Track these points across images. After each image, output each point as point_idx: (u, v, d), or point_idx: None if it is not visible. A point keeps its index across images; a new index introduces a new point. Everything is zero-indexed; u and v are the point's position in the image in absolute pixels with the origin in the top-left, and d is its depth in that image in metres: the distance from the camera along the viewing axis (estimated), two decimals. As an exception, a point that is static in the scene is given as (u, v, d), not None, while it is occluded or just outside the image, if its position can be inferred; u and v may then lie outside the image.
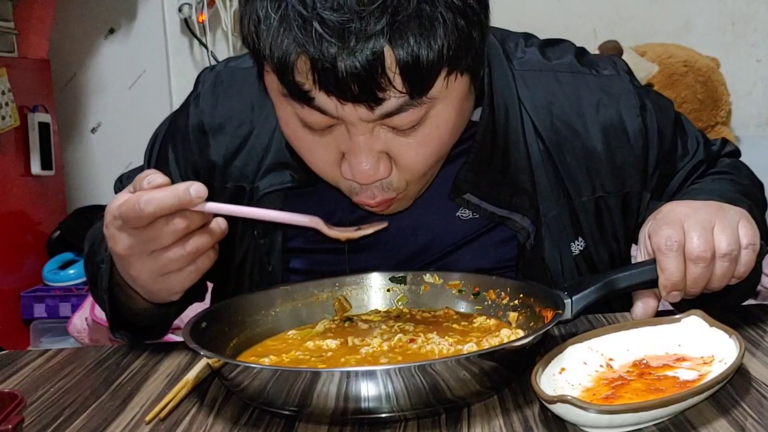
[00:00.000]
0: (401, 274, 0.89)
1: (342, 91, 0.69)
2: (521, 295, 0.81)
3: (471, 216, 0.90)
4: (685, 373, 0.66)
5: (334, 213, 0.90)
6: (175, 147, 0.99)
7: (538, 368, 0.66)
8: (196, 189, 0.72)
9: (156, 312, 0.89)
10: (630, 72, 0.97)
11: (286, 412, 0.66)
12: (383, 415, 0.64)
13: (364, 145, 0.74)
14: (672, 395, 0.59)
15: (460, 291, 0.86)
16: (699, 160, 0.96)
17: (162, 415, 0.69)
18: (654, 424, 0.60)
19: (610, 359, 0.70)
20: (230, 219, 0.84)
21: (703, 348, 0.70)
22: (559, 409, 0.60)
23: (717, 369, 0.65)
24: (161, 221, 0.72)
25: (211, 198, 0.95)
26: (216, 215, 0.75)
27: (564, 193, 0.90)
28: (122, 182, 1.04)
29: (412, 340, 0.78)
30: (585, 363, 0.69)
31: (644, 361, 0.69)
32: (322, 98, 0.71)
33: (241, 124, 0.94)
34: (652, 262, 0.76)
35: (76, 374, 0.82)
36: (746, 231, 0.76)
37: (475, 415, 0.65)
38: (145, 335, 0.94)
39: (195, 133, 0.97)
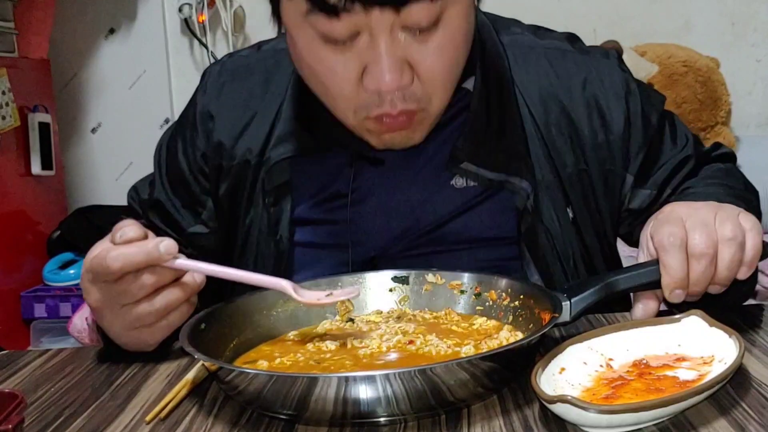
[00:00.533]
0: (404, 274, 0.89)
1: None
2: (522, 297, 0.81)
3: (465, 185, 0.93)
4: (685, 373, 0.66)
5: (336, 180, 0.95)
6: (184, 138, 1.02)
7: (538, 368, 0.66)
8: (165, 246, 0.74)
9: None
10: (621, 60, 0.99)
11: (284, 417, 0.66)
12: (382, 419, 0.64)
13: (387, 51, 0.77)
14: (672, 395, 0.59)
15: (461, 291, 0.87)
16: (687, 155, 0.97)
17: (162, 415, 0.69)
18: (654, 424, 0.60)
19: (610, 359, 0.70)
20: (236, 191, 0.96)
21: (703, 348, 0.70)
22: (559, 409, 0.60)
23: (717, 369, 0.65)
24: (130, 277, 0.75)
25: (218, 177, 0.98)
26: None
27: (552, 163, 0.93)
28: (137, 192, 1.07)
29: (411, 342, 0.78)
30: (585, 363, 0.69)
31: (644, 361, 0.69)
32: (348, 6, 0.75)
33: (246, 106, 0.99)
34: (654, 263, 0.76)
35: (76, 374, 0.82)
36: (747, 217, 0.77)
37: (475, 415, 0.65)
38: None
39: (202, 119, 1.01)
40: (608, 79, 0.95)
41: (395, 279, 0.89)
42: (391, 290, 0.89)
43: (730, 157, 1.03)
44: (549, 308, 0.74)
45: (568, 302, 0.74)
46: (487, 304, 0.84)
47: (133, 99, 2.72)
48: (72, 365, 0.85)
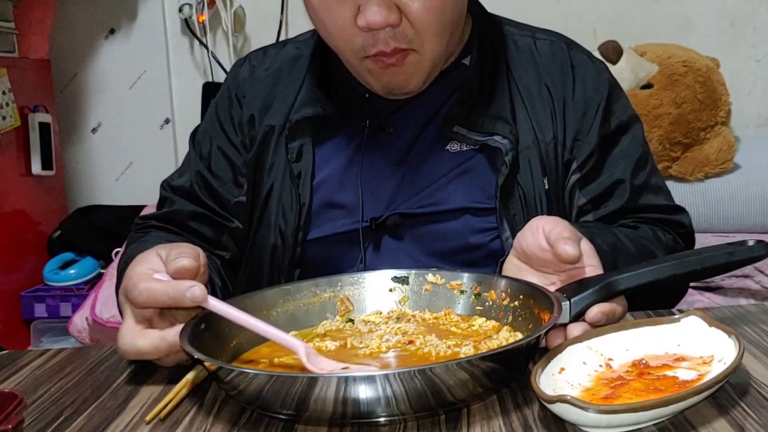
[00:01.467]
0: (404, 274, 0.89)
1: None
2: (521, 297, 0.81)
3: (459, 149, 1.02)
4: (684, 373, 0.66)
5: (350, 144, 1.04)
6: (222, 118, 1.11)
7: (538, 368, 0.66)
8: (192, 293, 0.74)
9: None
10: (612, 76, 1.08)
11: (284, 417, 0.66)
12: (382, 419, 0.64)
13: None
14: (671, 395, 0.60)
15: (461, 291, 0.87)
16: (620, 178, 1.02)
17: (162, 415, 0.69)
18: (653, 424, 0.60)
19: (610, 359, 0.70)
20: (262, 153, 1.06)
21: (703, 348, 0.70)
22: (558, 408, 0.60)
23: (716, 369, 0.65)
24: (155, 311, 0.77)
25: (250, 147, 1.08)
26: None
27: (533, 131, 1.01)
28: (170, 185, 1.13)
29: (410, 342, 0.78)
30: (584, 363, 0.69)
31: (644, 361, 0.69)
32: None
33: (275, 85, 1.09)
34: (654, 263, 0.76)
35: (76, 374, 0.82)
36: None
37: (475, 415, 0.65)
38: None
39: (237, 99, 1.11)
40: (592, 80, 1.04)
41: (395, 279, 0.89)
42: (391, 290, 0.89)
43: (684, 237, 1.05)
44: (548, 308, 0.74)
45: (568, 302, 0.74)
46: (487, 304, 0.84)
47: (133, 99, 2.72)
48: (72, 365, 0.85)
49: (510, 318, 0.82)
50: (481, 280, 0.86)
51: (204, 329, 0.76)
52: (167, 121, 2.72)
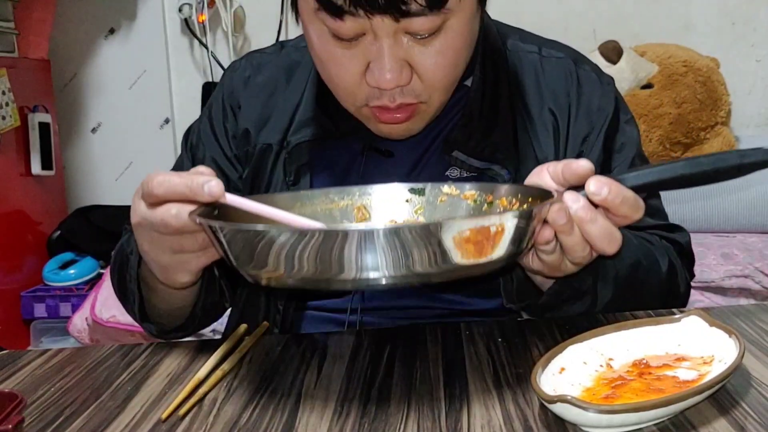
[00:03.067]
0: (421, 186, 0.89)
1: (370, 3, 0.78)
2: (530, 198, 0.80)
3: (459, 175, 0.98)
4: (684, 373, 0.66)
5: (350, 167, 1.00)
6: (214, 128, 1.07)
7: (538, 368, 0.66)
8: (210, 187, 0.71)
9: (179, 312, 0.93)
10: (619, 96, 1.04)
11: (290, 281, 0.65)
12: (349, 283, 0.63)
13: (389, 51, 0.83)
14: (672, 395, 0.60)
15: (475, 201, 0.86)
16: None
17: (181, 412, 0.69)
18: (654, 424, 0.60)
19: (610, 359, 0.70)
20: (258, 173, 1.02)
21: (703, 348, 0.70)
22: (558, 408, 0.60)
23: (717, 369, 0.65)
24: (170, 205, 0.74)
25: (244, 163, 1.04)
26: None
27: (535, 157, 0.98)
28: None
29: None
30: (585, 363, 0.69)
31: (644, 361, 0.69)
32: (352, 11, 0.79)
33: (270, 97, 1.05)
34: (663, 163, 0.75)
35: (76, 374, 0.82)
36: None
37: (475, 414, 0.65)
38: (184, 334, 0.98)
39: (231, 109, 1.07)
40: (597, 101, 1.00)
41: (412, 191, 0.89)
42: (407, 201, 0.88)
43: (682, 251, 1.01)
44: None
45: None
46: (499, 210, 0.84)
47: (133, 99, 2.72)
48: (72, 365, 0.85)
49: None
50: (492, 188, 0.85)
51: (216, 216, 0.74)
52: (167, 121, 2.73)
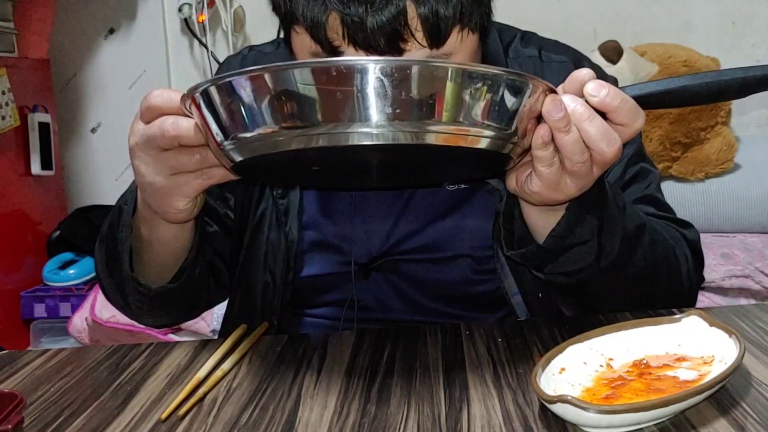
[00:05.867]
0: None
1: (369, 44, 0.76)
2: None
3: (456, 187, 0.97)
4: (685, 373, 0.66)
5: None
6: None
7: (539, 368, 0.66)
8: None
9: (171, 261, 0.89)
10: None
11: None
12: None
13: None
14: (672, 395, 0.60)
15: None
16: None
17: (181, 413, 0.69)
18: (654, 424, 0.60)
19: (610, 359, 0.70)
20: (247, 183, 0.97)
21: (703, 348, 0.70)
22: (558, 409, 0.60)
23: (717, 369, 0.65)
24: (167, 116, 0.73)
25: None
26: None
27: None
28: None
29: None
30: (585, 363, 0.69)
31: (644, 361, 0.69)
32: (350, 52, 0.77)
33: None
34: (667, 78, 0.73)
35: (76, 374, 0.82)
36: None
37: (475, 414, 0.65)
38: (168, 316, 0.97)
39: None
40: None
41: None
42: None
43: (688, 235, 0.99)
44: None
45: None
46: None
47: (133, 99, 2.69)
48: (72, 365, 0.85)
49: None
50: None
51: None
52: (167, 121, 2.72)
